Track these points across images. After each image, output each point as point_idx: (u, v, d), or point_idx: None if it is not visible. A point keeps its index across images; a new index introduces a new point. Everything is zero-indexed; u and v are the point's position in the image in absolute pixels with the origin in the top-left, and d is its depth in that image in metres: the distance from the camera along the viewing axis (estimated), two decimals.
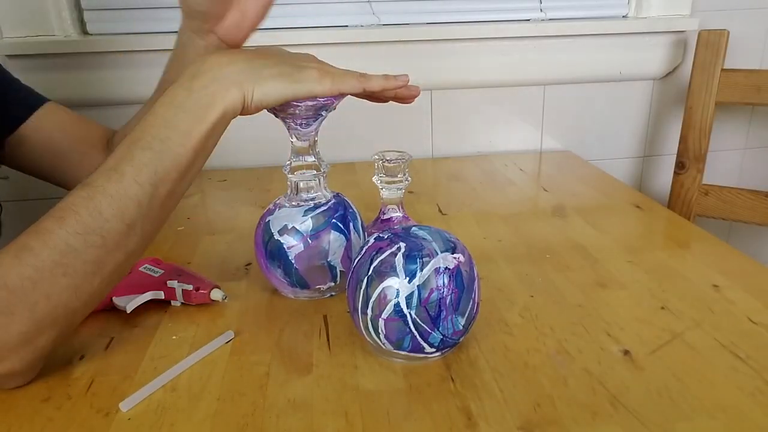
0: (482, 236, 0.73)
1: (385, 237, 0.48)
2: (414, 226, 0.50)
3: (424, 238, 0.47)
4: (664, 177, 1.20)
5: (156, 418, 0.43)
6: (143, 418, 0.43)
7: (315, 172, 0.56)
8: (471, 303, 0.47)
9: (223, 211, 0.85)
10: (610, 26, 1.06)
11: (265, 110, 0.52)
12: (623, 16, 1.10)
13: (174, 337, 0.53)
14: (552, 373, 0.47)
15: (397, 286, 0.44)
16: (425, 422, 0.42)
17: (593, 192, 0.89)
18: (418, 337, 0.45)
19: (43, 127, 0.71)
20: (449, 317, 0.45)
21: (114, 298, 0.55)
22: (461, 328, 0.47)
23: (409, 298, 0.44)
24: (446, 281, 0.45)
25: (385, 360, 0.49)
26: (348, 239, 0.56)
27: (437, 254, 0.45)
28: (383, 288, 0.45)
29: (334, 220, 0.56)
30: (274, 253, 0.55)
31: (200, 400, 0.45)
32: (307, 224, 0.55)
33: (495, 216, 0.79)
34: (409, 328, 0.45)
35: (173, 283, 0.56)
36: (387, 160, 0.60)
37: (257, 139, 1.06)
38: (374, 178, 0.61)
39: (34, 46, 0.93)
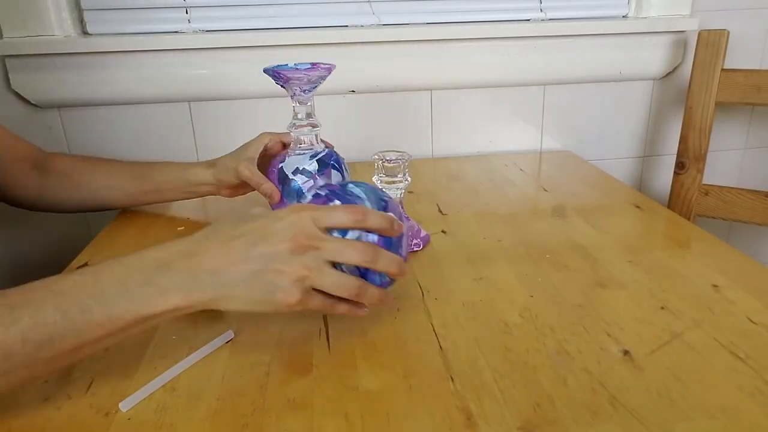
0: (482, 236, 0.73)
1: (323, 194, 0.52)
2: (351, 183, 0.53)
3: (358, 196, 0.51)
4: (664, 177, 1.20)
5: (156, 418, 0.43)
6: (143, 418, 0.43)
7: (311, 128, 0.69)
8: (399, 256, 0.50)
9: (223, 211, 0.85)
10: (610, 26, 1.06)
11: (271, 79, 0.64)
12: (623, 16, 1.10)
13: (174, 337, 0.53)
14: (552, 373, 0.47)
15: None
16: (425, 422, 0.42)
17: (593, 192, 0.89)
18: None
19: None
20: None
21: None
22: (388, 279, 0.50)
23: None
24: (375, 236, 0.48)
25: (385, 359, 0.49)
26: (343, 176, 0.71)
27: None
28: None
29: (332, 162, 0.70)
30: (290, 190, 0.69)
31: (200, 400, 0.45)
32: (313, 165, 0.69)
33: (495, 216, 0.79)
34: None
35: None
36: (387, 160, 0.60)
37: None
38: (374, 178, 0.62)
39: (34, 46, 0.93)
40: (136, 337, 0.46)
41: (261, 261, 0.44)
